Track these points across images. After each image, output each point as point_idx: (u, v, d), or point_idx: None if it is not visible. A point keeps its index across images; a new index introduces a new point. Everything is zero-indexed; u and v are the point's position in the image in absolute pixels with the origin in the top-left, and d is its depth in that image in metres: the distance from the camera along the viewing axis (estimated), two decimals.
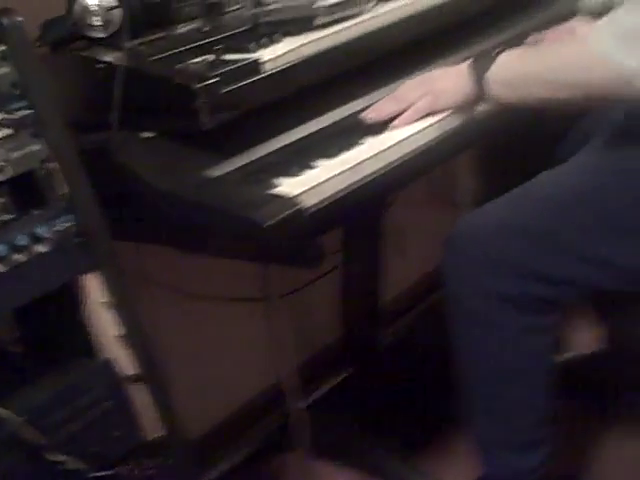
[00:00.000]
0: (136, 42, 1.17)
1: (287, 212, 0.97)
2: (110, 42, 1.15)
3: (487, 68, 1.19)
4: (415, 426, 1.73)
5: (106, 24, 1.14)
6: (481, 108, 1.23)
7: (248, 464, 1.70)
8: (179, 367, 1.53)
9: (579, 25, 1.45)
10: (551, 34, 1.46)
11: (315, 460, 1.53)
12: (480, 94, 1.20)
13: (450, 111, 1.23)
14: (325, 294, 1.87)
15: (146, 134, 1.11)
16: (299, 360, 1.85)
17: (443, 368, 1.36)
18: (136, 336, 1.01)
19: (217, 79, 1.05)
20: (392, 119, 1.21)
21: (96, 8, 1.13)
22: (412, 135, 1.17)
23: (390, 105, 1.23)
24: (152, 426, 1.04)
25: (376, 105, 1.25)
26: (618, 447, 1.63)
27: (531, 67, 1.19)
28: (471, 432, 1.36)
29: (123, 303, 0.99)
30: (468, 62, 1.22)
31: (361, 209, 1.20)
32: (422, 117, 1.21)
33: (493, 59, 1.20)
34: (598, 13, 1.34)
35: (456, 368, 1.32)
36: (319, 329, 1.95)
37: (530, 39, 1.43)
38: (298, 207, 0.98)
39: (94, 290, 0.98)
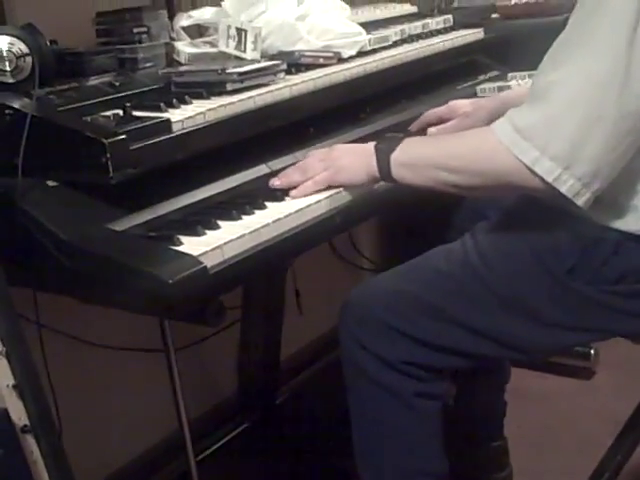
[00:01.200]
0: (46, 90, 1.18)
1: (191, 270, 0.99)
2: (19, 89, 1.15)
3: (392, 150, 1.22)
4: None
5: (16, 70, 1.15)
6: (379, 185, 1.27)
7: None
8: (74, 416, 1.51)
9: (463, 104, 1.53)
10: (431, 114, 1.54)
11: None
12: (383, 174, 1.23)
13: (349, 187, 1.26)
14: (224, 348, 1.88)
15: (51, 183, 1.11)
16: (197, 412, 1.84)
17: (338, 426, 1.38)
18: (28, 386, 1.00)
19: (126, 135, 1.07)
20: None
21: (6, 54, 1.15)
22: (313, 203, 1.20)
23: (295, 174, 1.27)
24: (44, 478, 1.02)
25: (283, 173, 1.29)
26: None
27: (436, 152, 1.20)
28: None
29: (15, 352, 0.98)
30: (375, 143, 1.25)
31: (262, 270, 1.22)
32: (320, 189, 1.25)
33: (399, 141, 1.23)
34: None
35: (350, 427, 1.35)
36: (217, 382, 1.95)
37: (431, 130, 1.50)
38: (202, 266, 1.00)
39: None
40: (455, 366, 1.30)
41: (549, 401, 2.03)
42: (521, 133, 1.09)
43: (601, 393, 2.05)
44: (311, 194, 1.23)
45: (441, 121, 1.53)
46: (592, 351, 2.10)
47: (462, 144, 1.20)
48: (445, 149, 1.21)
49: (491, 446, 1.72)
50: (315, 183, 1.25)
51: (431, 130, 1.52)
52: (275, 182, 1.28)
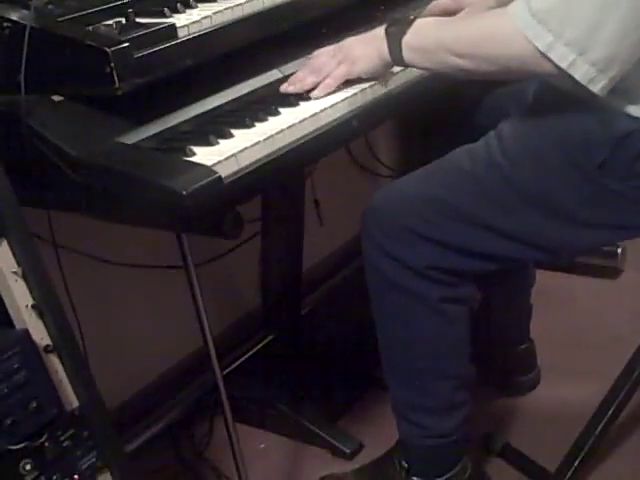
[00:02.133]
0: (44, 1, 1.13)
1: (205, 180, 0.96)
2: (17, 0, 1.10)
3: (404, 33, 1.19)
4: (337, 390, 1.76)
5: None
6: (398, 72, 1.25)
7: (171, 431, 1.70)
8: (97, 336, 1.52)
9: None
10: (435, 6, 1.45)
11: (240, 425, 1.53)
12: (394, 59, 1.21)
13: (367, 77, 1.24)
14: (246, 261, 1.86)
15: (57, 98, 1.07)
16: (221, 327, 1.85)
17: (364, 334, 1.38)
18: (48, 306, 0.99)
19: (130, 43, 1.03)
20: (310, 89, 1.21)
21: None
22: (328, 107, 1.17)
23: (309, 76, 1.23)
24: (70, 397, 1.02)
25: (294, 77, 1.25)
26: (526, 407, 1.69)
27: (448, 36, 1.17)
28: (390, 396, 1.39)
29: (33, 272, 0.97)
30: (384, 26, 1.22)
31: (278, 179, 1.20)
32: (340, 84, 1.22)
33: (410, 24, 1.20)
34: None
35: (376, 334, 1.34)
36: (241, 296, 1.95)
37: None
38: (216, 176, 0.97)
39: (3, 259, 0.96)
40: (481, 269, 1.28)
41: (575, 302, 2.01)
42: (536, 16, 1.05)
43: (628, 291, 2.03)
44: (333, 92, 1.20)
45: (446, 14, 1.46)
46: (619, 250, 2.06)
47: (475, 28, 1.17)
48: (457, 33, 1.17)
49: (518, 349, 1.72)
50: (334, 79, 1.22)
51: None
52: (288, 88, 1.23)
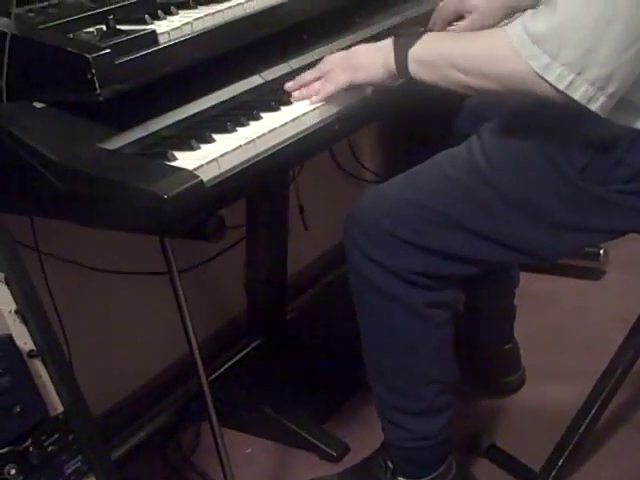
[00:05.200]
0: (25, 8, 1.14)
1: (187, 184, 0.97)
2: None
3: (411, 44, 1.19)
4: (323, 394, 1.76)
5: None
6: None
7: (158, 437, 1.70)
8: (83, 343, 1.52)
9: None
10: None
11: (227, 430, 1.54)
12: (400, 70, 1.20)
13: (371, 86, 1.24)
14: (231, 267, 1.87)
15: (38, 104, 1.08)
16: (207, 332, 1.85)
17: (349, 338, 1.38)
18: (31, 311, 0.99)
19: (110, 49, 1.04)
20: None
21: None
22: (310, 111, 1.18)
23: (313, 78, 1.24)
24: (54, 402, 1.03)
25: (300, 78, 1.26)
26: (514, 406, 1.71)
27: (454, 51, 1.17)
28: (375, 400, 1.39)
29: (16, 277, 0.97)
30: (393, 38, 1.22)
31: (261, 183, 1.21)
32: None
33: (418, 37, 1.19)
34: None
35: (360, 338, 1.35)
36: (226, 301, 1.95)
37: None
38: (198, 180, 0.98)
39: None
40: (465, 273, 1.28)
41: (559, 303, 2.03)
42: (532, 37, 1.05)
43: (611, 292, 2.04)
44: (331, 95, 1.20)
45: (448, 22, 1.47)
46: (601, 251, 2.08)
47: (478, 44, 1.16)
48: (463, 48, 1.17)
49: (502, 350, 1.73)
50: (336, 85, 1.22)
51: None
52: (295, 93, 1.24)
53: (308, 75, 1.26)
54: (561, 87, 1.05)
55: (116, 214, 1.05)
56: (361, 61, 1.24)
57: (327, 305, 2.04)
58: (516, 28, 1.08)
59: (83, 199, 1.04)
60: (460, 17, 1.46)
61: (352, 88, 1.24)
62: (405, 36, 1.22)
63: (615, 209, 1.20)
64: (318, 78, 1.24)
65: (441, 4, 1.47)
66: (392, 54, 1.20)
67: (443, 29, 1.46)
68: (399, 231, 1.23)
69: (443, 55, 1.17)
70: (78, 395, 1.05)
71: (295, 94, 1.25)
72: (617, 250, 2.06)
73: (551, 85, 1.06)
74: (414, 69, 1.18)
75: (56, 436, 1.01)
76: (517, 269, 1.69)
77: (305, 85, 1.25)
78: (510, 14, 1.42)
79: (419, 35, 1.20)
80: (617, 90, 1.06)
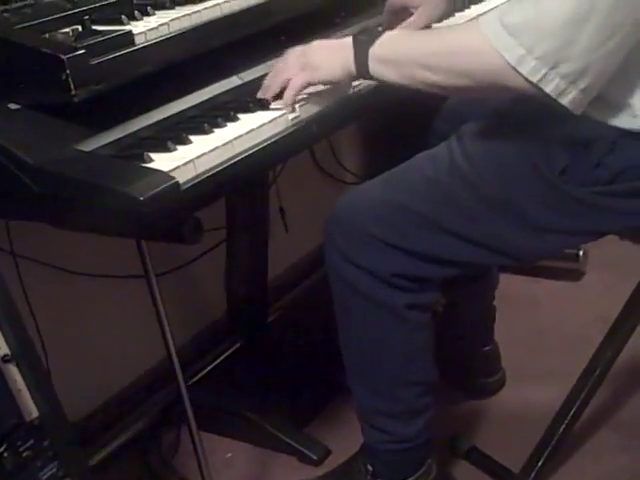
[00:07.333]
0: (0, 9, 1.13)
1: (162, 186, 0.96)
2: None
3: (371, 43, 1.16)
4: (304, 398, 1.76)
5: None
6: (359, 83, 1.23)
7: (138, 442, 1.69)
8: (61, 347, 1.50)
9: None
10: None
11: (206, 434, 1.53)
12: (359, 70, 1.17)
13: (327, 86, 1.22)
14: (211, 270, 1.86)
15: (13, 106, 1.07)
16: (187, 336, 1.84)
17: (330, 341, 1.38)
18: (6, 315, 0.98)
19: (85, 50, 1.03)
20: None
21: None
22: (288, 112, 1.16)
23: (274, 83, 1.21)
24: (29, 407, 1.01)
25: (263, 84, 1.23)
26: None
27: (418, 48, 1.14)
28: (354, 402, 1.39)
29: None
30: (352, 36, 1.19)
31: (238, 185, 1.20)
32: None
33: (378, 35, 1.17)
34: None
35: (340, 340, 1.34)
36: (207, 304, 1.94)
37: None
38: (174, 181, 0.97)
39: None
40: (446, 275, 1.28)
41: (539, 304, 2.04)
42: (508, 29, 1.03)
43: (590, 293, 2.05)
44: (294, 103, 1.17)
45: (398, 18, 1.41)
46: (581, 252, 2.09)
47: (445, 40, 1.14)
48: (427, 44, 1.14)
49: (482, 351, 1.73)
50: (293, 89, 1.18)
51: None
52: (259, 96, 1.22)
53: (268, 80, 1.22)
54: (534, 80, 1.04)
55: (92, 216, 1.04)
56: (318, 60, 1.20)
57: (308, 307, 2.03)
58: (490, 20, 1.06)
59: (59, 201, 1.03)
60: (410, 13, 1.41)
61: (309, 87, 1.21)
62: (365, 33, 1.20)
63: (595, 211, 1.19)
64: (277, 78, 1.21)
65: (388, 2, 1.42)
66: (352, 53, 1.17)
67: (396, 27, 1.39)
68: (379, 232, 1.22)
69: (406, 53, 1.15)
70: (54, 400, 1.04)
71: (260, 96, 1.22)
72: (597, 251, 2.07)
73: (524, 78, 1.04)
74: (375, 69, 1.16)
75: (31, 441, 1.01)
76: (496, 270, 1.69)
77: (271, 92, 1.21)
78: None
79: (379, 34, 1.17)
80: (590, 85, 1.05)
